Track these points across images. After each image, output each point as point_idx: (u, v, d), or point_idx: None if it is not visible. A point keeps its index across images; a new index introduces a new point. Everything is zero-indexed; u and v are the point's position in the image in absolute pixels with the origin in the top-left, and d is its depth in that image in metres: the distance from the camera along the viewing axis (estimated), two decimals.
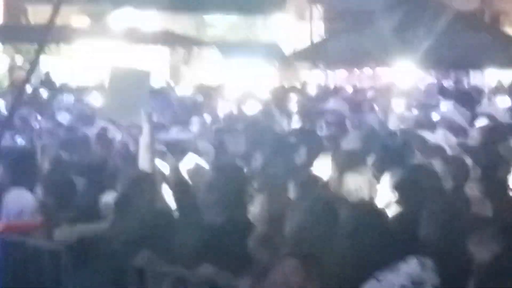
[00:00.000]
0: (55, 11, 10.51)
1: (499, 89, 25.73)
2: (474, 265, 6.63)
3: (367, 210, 8.13)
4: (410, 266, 6.72)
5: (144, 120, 11.84)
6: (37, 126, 16.79)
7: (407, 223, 7.89)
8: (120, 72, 14.22)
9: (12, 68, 40.07)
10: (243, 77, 33.33)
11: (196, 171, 10.92)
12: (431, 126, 14.75)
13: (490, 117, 15.18)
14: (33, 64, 15.21)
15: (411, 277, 6.66)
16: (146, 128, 11.65)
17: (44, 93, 26.94)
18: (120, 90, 12.98)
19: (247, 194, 9.32)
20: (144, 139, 11.56)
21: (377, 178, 9.51)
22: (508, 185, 9.77)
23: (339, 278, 7.13)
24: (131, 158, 11.93)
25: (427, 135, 13.33)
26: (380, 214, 7.92)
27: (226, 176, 9.59)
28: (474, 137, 13.62)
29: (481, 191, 9.34)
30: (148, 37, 43.34)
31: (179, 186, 10.23)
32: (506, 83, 30.57)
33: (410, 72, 29.41)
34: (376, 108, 19.19)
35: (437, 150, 11.82)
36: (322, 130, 15.14)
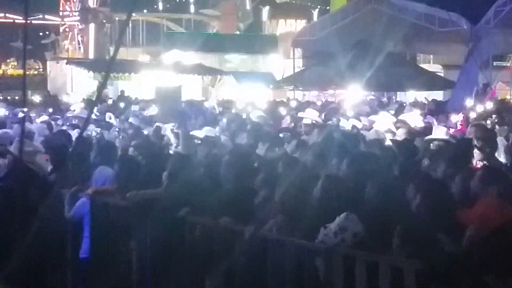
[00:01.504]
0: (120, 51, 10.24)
1: (415, 104, 26.43)
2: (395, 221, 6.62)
3: (330, 183, 7.92)
4: (341, 218, 6.94)
5: (181, 122, 11.89)
6: (116, 126, 17.10)
7: (356, 191, 7.86)
8: (161, 89, 14.84)
9: (99, 88, 41.54)
10: (250, 94, 34.30)
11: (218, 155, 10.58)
12: (370, 128, 14.59)
13: (408, 123, 15.27)
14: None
15: (339, 225, 6.91)
16: (183, 127, 11.71)
17: (121, 104, 27.61)
18: (162, 101, 13.30)
19: (253, 170, 9.48)
20: (183, 134, 11.56)
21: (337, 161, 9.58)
22: (418, 164, 9.89)
23: (310, 228, 7.21)
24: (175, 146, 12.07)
25: (367, 133, 13.31)
26: (337, 185, 7.86)
27: (238, 158, 9.68)
28: (398, 135, 13.35)
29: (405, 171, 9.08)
30: (188, 68, 49.16)
31: (209, 166, 9.97)
32: (420, 100, 31.46)
33: (358, 92, 29.81)
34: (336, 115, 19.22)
35: (374, 142, 11.90)
36: (301, 128, 15.28)
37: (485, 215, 6.19)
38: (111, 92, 44.57)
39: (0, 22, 69.90)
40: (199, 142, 12.52)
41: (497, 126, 15.43)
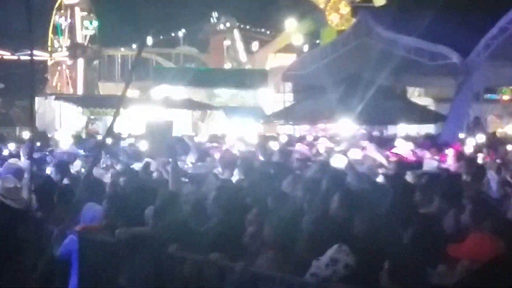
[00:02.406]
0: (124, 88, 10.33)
1: (407, 138, 26.31)
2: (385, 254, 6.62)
3: (321, 219, 8.19)
4: (332, 250, 6.95)
5: (172, 156, 11.90)
6: (105, 162, 16.97)
7: (346, 225, 7.94)
8: (151, 123, 14.85)
9: (87, 124, 41.72)
10: (239, 129, 34.34)
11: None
12: (361, 162, 14.43)
13: (400, 156, 15.21)
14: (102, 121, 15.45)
15: (331, 257, 6.90)
16: (173, 163, 11.66)
17: (109, 140, 27.58)
18: (153, 135, 13.29)
19: (241, 205, 9.41)
20: (173, 170, 11.54)
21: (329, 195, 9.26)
22: (410, 197, 9.77)
23: (299, 261, 7.30)
24: (165, 182, 11.90)
25: (359, 167, 13.23)
26: (328, 220, 8.11)
27: (229, 193, 9.85)
28: (390, 168, 13.46)
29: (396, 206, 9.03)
30: (177, 103, 49.55)
31: (196, 204, 9.89)
32: (411, 133, 31.55)
33: (349, 126, 29.83)
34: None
35: (365, 178, 11.68)
36: (293, 164, 15.12)
37: (476, 249, 6.19)
38: (100, 127, 44.79)
39: None
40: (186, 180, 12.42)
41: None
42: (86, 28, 69.42)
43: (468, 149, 19.01)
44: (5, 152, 22.09)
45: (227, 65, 71.45)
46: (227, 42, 73.16)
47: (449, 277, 6.36)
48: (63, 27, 69.69)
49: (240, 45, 71.96)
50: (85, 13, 69.45)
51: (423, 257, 6.58)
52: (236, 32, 72.72)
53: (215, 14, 75.81)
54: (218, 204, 9.43)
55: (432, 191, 9.55)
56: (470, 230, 7.11)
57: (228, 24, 73.17)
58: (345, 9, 63.27)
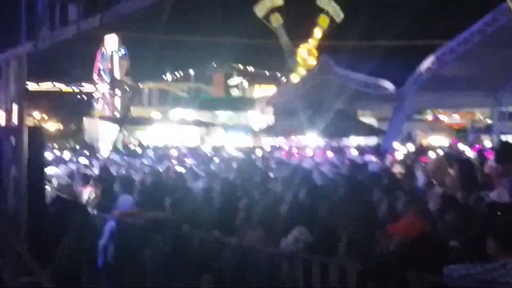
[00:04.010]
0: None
1: (358, 148, 26.26)
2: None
3: (293, 207, 8.25)
4: (296, 230, 7.00)
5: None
6: (135, 165, 16.76)
7: (311, 211, 7.91)
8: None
9: (121, 137, 42.40)
10: (235, 141, 34.42)
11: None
12: (324, 165, 14.41)
13: (352, 160, 15.17)
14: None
15: (293, 236, 6.95)
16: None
17: (138, 150, 27.54)
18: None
19: (236, 196, 9.39)
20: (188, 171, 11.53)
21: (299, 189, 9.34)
22: (359, 190, 9.58)
23: (277, 236, 7.27)
24: (181, 179, 11.84)
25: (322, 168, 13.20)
26: (298, 207, 8.14)
27: (227, 188, 9.87)
28: (344, 169, 13.42)
29: (348, 197, 8.91)
30: (189, 122, 51.36)
31: (205, 192, 10.09)
32: (362, 144, 31.73)
33: (315, 139, 29.89)
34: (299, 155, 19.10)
35: (326, 176, 11.77)
36: (273, 166, 14.97)
37: (407, 228, 6.18)
38: (132, 140, 45.02)
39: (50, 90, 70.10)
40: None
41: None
42: (122, 66, 69.60)
43: (401, 155, 19.06)
44: (66, 156, 22.27)
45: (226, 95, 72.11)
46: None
47: (387, 249, 6.31)
48: (105, 67, 69.88)
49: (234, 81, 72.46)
50: (122, 56, 69.78)
51: (368, 235, 6.54)
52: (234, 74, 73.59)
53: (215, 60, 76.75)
54: (221, 195, 9.47)
55: (375, 185, 9.40)
56: (402, 214, 7.05)
57: (225, 66, 73.84)
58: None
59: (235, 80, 70.63)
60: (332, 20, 65.08)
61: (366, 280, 5.90)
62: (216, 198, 9.51)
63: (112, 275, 9.77)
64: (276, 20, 65.33)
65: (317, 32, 65.35)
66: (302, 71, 61.36)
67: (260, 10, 64.85)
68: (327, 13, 66.10)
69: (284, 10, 64.11)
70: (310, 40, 65.64)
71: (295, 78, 59.58)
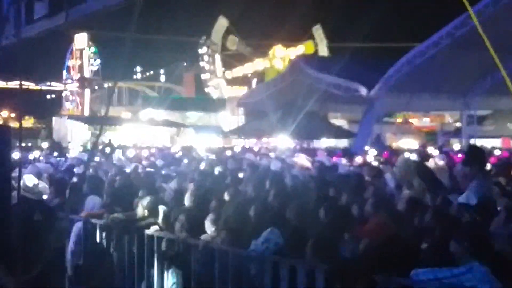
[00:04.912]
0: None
1: (328, 149, 26.33)
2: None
3: (265, 206, 8.11)
4: (267, 232, 6.95)
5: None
6: (104, 165, 16.50)
7: (279, 212, 7.80)
8: None
9: (92, 137, 42.01)
10: (205, 142, 34.30)
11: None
12: (293, 166, 14.37)
13: (321, 162, 15.12)
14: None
15: (264, 237, 6.91)
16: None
17: (108, 150, 27.31)
18: None
19: (206, 198, 9.14)
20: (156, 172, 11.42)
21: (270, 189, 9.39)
22: (328, 194, 9.47)
23: (247, 239, 7.16)
24: (151, 180, 11.71)
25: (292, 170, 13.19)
26: (266, 209, 7.98)
27: (198, 189, 9.64)
28: (314, 172, 13.31)
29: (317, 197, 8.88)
30: (159, 122, 51.23)
31: (175, 193, 9.97)
32: (330, 146, 31.88)
33: (285, 140, 29.87)
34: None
35: (296, 178, 11.68)
36: (244, 167, 14.81)
37: (374, 231, 6.25)
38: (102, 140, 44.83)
39: (16, 89, 69.50)
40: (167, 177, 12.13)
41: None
42: (92, 65, 69.28)
43: (370, 157, 19.13)
44: (31, 157, 21.92)
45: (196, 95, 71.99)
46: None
47: (355, 251, 6.36)
48: (74, 65, 69.44)
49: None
50: (91, 54, 69.38)
51: (336, 236, 6.54)
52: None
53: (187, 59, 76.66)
54: (191, 195, 9.26)
55: (344, 188, 9.36)
56: (370, 216, 7.11)
57: (196, 66, 73.77)
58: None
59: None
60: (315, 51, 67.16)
61: (334, 282, 5.89)
62: (186, 198, 9.31)
63: (80, 276, 9.66)
64: (232, 43, 67.80)
65: (300, 49, 66.36)
66: (273, 72, 61.85)
67: (215, 37, 67.62)
68: (313, 41, 68.28)
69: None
70: (289, 49, 66.54)
71: (266, 79, 60.17)
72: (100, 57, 69.99)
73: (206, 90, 68.80)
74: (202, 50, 69.02)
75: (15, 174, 6.65)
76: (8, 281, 5.49)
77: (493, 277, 4.89)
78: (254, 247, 6.92)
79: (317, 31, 69.23)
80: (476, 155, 8.51)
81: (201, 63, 69.25)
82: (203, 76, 69.64)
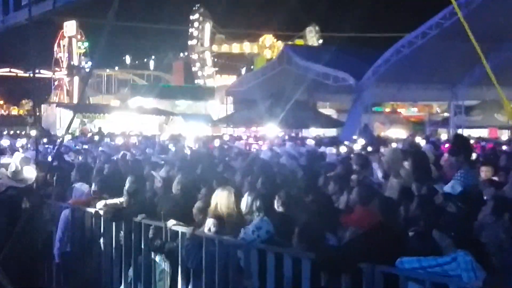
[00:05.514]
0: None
1: (316, 139, 26.29)
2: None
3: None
4: (257, 220, 6.96)
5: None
6: (92, 153, 16.39)
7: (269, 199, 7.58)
8: None
9: (80, 125, 41.64)
10: (194, 130, 34.20)
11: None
12: (280, 155, 14.27)
13: (309, 150, 15.18)
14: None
15: (256, 225, 6.87)
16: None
17: (96, 137, 27.20)
18: None
19: (195, 186, 8.98)
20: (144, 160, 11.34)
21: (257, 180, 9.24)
22: (315, 181, 9.60)
23: (236, 226, 7.13)
24: (139, 167, 11.64)
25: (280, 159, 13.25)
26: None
27: (186, 177, 9.41)
28: (302, 160, 13.40)
29: (305, 185, 9.13)
30: (148, 111, 51.06)
31: (164, 180, 9.55)
32: (319, 135, 31.86)
33: (274, 129, 29.86)
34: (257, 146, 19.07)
35: (284, 167, 11.72)
36: (232, 155, 14.73)
37: (360, 220, 6.26)
38: (91, 128, 44.52)
39: (7, 76, 69.18)
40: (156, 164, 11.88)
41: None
42: (79, 47, 68.85)
43: (358, 146, 19.13)
44: (18, 144, 21.82)
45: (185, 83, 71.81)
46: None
47: (341, 239, 6.37)
48: (63, 53, 69.03)
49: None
50: (80, 43, 68.96)
51: (323, 225, 6.53)
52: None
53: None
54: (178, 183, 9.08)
55: (331, 176, 9.32)
56: (356, 205, 7.09)
57: (186, 53, 73.47)
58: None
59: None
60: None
61: (320, 270, 5.91)
62: (174, 186, 9.12)
63: (68, 264, 9.59)
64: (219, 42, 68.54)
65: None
66: (262, 61, 61.89)
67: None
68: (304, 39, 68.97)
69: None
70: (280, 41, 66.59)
71: (255, 68, 60.23)
72: (89, 45, 69.70)
73: (191, 56, 69.39)
74: (194, 16, 69.04)
75: (4, 161, 6.67)
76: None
77: (478, 266, 4.91)
78: (244, 235, 6.87)
79: (310, 33, 69.57)
80: (462, 145, 8.54)
81: (190, 29, 69.15)
82: (190, 42, 69.73)
